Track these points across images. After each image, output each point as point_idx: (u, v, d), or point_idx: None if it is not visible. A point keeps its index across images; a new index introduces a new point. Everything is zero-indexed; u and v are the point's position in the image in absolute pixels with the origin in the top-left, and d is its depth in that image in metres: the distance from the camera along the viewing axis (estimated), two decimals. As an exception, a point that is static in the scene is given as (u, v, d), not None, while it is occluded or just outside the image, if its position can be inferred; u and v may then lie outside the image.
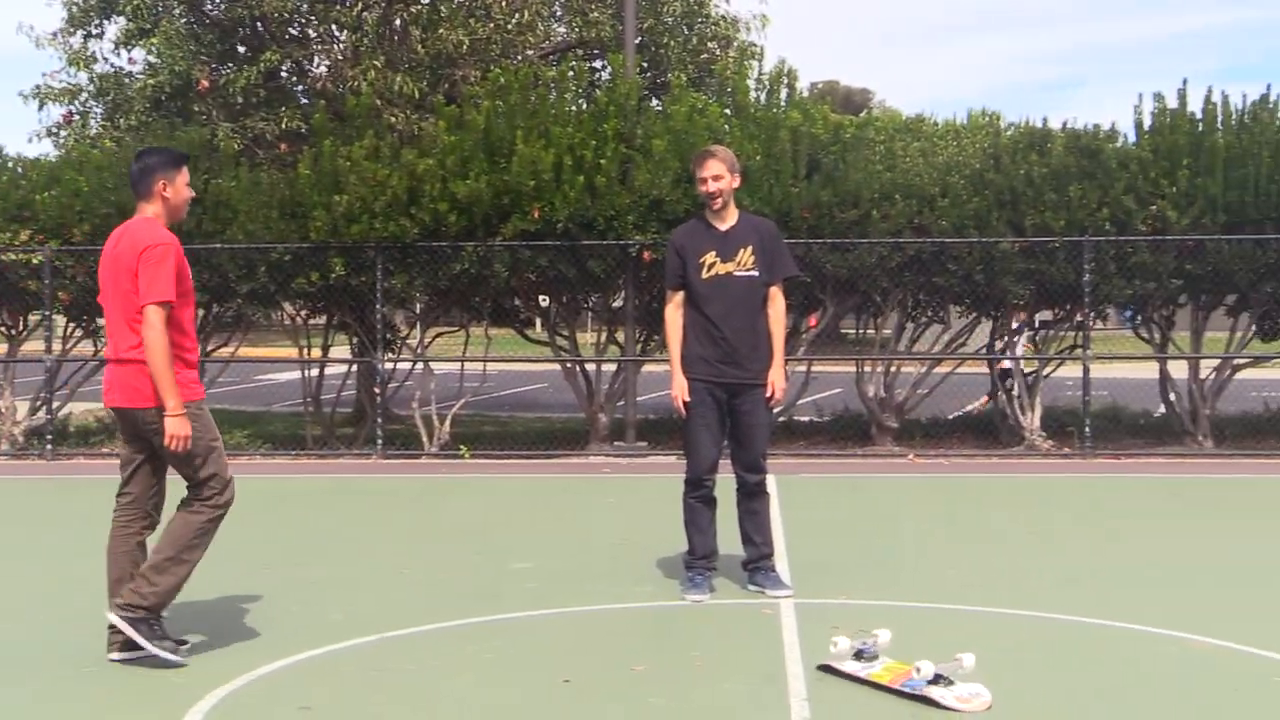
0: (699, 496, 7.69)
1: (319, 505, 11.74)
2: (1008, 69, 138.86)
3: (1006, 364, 15.60)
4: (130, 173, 6.59)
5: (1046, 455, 14.45)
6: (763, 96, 15.29)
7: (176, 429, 6.23)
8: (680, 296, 7.68)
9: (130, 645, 6.23)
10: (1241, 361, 15.34)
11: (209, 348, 15.86)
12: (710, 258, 7.55)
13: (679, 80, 15.44)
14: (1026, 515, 10.68)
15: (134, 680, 6.08)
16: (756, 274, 7.57)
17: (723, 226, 7.64)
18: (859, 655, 5.98)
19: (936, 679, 5.62)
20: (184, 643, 6.41)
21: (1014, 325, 15.48)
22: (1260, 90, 14.97)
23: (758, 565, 7.76)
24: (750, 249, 7.58)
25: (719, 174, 7.57)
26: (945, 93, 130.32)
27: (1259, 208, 14.06)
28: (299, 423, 16.35)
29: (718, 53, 20.11)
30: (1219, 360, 15.29)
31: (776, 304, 7.69)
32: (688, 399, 7.55)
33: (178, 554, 6.31)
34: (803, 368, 15.58)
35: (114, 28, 18.43)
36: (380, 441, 14.79)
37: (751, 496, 7.72)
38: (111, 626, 6.29)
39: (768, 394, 7.57)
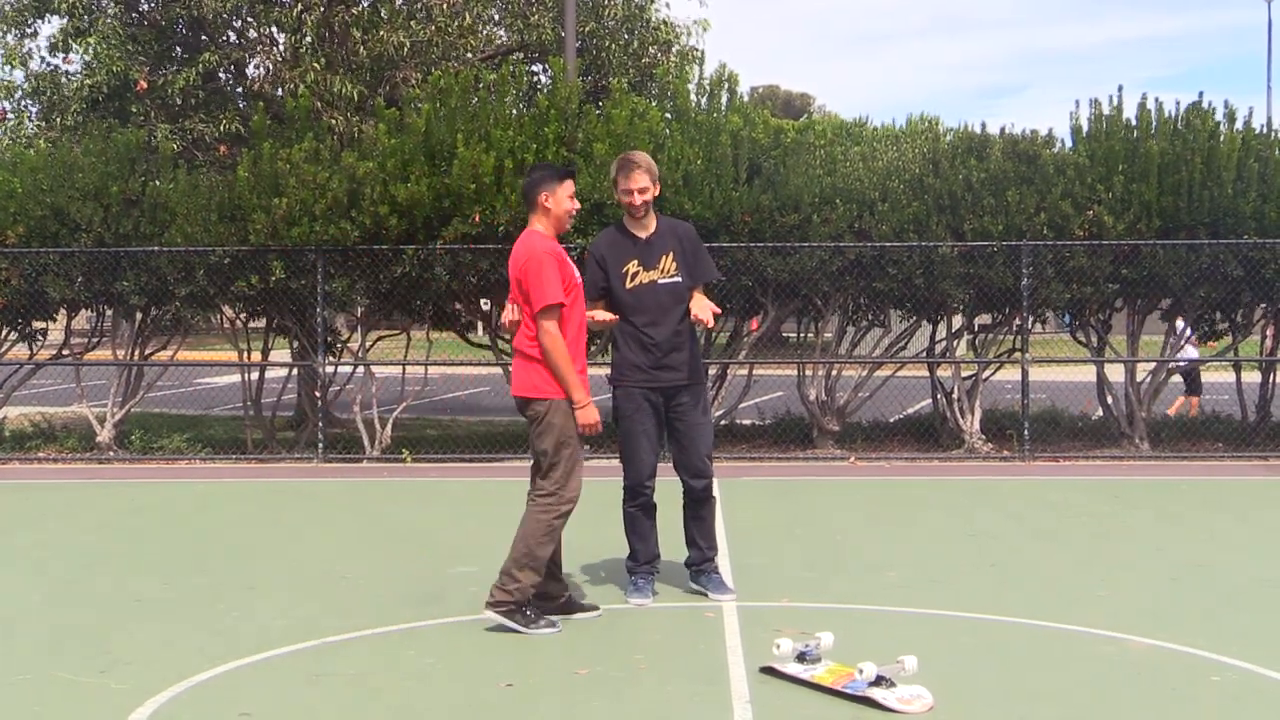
0: (639, 504, 7.62)
1: (259, 510, 11.66)
2: (947, 74, 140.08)
3: (1189, 352, 15.78)
4: (522, 187, 7.28)
5: (986, 458, 14.56)
6: (703, 101, 15.32)
7: (587, 418, 6.88)
8: (599, 305, 7.55)
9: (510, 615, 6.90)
10: (1176, 364, 15.50)
11: (147, 351, 15.74)
12: (633, 267, 7.47)
13: (620, 84, 15.43)
14: (967, 518, 10.75)
15: (70, 690, 6.01)
16: (680, 280, 7.49)
17: (643, 234, 7.53)
18: (802, 657, 6.00)
19: (878, 680, 5.65)
20: (554, 625, 6.94)
21: (1181, 327, 15.48)
22: (1192, 97, 15.11)
23: (700, 568, 7.72)
24: (671, 255, 7.49)
25: (645, 186, 7.43)
26: (885, 97, 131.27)
27: (1192, 213, 14.22)
28: (239, 427, 16.22)
29: (658, 57, 20.14)
30: (1155, 363, 15.46)
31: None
32: (602, 315, 7.47)
33: (530, 551, 6.86)
34: (744, 371, 15.63)
35: (49, 27, 18.24)
36: (321, 445, 14.72)
37: (699, 503, 7.66)
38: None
39: (706, 318, 7.37)
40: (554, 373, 6.84)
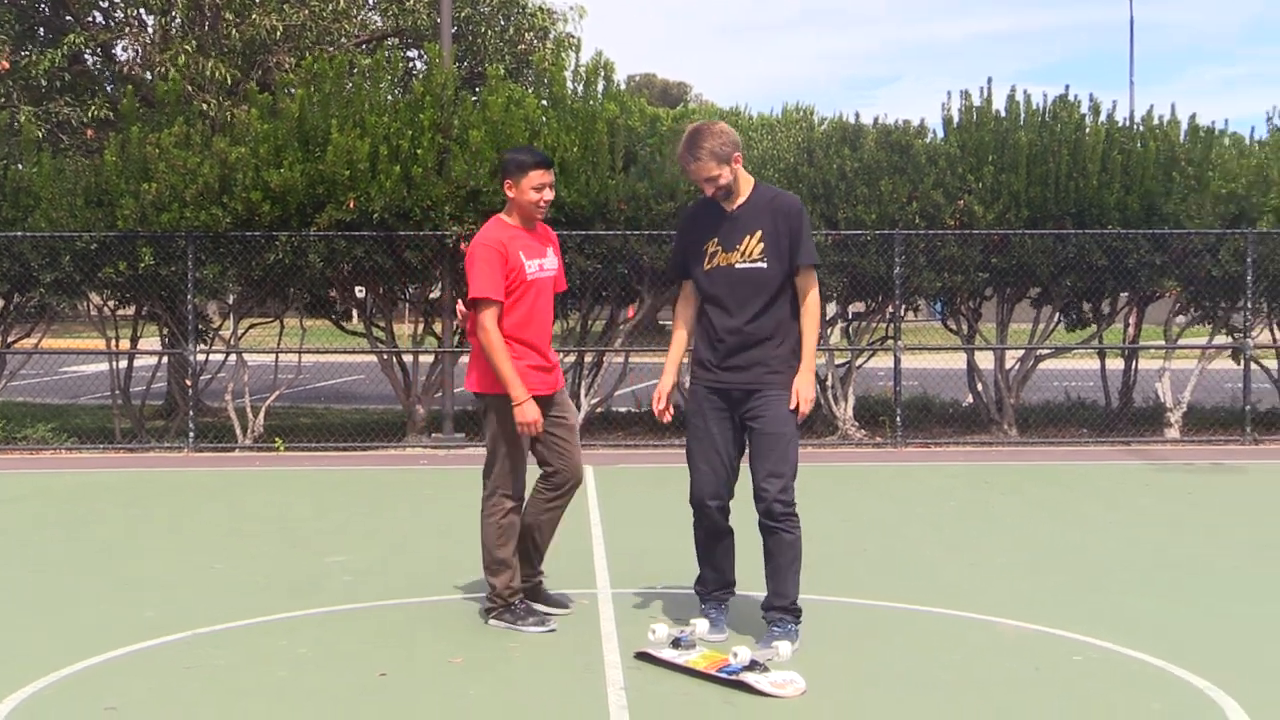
0: (703, 526, 6.73)
1: (128, 500, 11.45)
2: (822, 64, 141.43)
3: None
4: None
5: (859, 444, 14.75)
6: (580, 88, 15.31)
7: (522, 416, 6.54)
8: (689, 287, 6.60)
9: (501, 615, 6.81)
10: (1044, 352, 15.84)
11: (9, 339, 15.39)
12: (712, 245, 6.36)
13: (496, 71, 15.37)
14: (839, 504, 10.88)
15: (-70, 683, 5.87)
16: (763, 265, 6.28)
17: (730, 208, 6.39)
18: (676, 643, 6.05)
19: (752, 665, 5.71)
20: (544, 622, 6.75)
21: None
22: (1059, 91, 15.44)
23: (766, 615, 6.50)
24: (759, 235, 6.29)
25: (714, 175, 6.31)
26: (761, 87, 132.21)
27: (1059, 203, 14.52)
28: (107, 416, 15.92)
29: (535, 44, 20.10)
30: (1023, 351, 15.76)
31: (806, 299, 6.40)
32: (662, 405, 6.74)
33: (492, 556, 6.76)
34: (620, 359, 15.67)
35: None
36: (192, 434, 14.50)
37: (766, 531, 6.57)
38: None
39: (791, 405, 6.49)
40: (492, 368, 6.59)
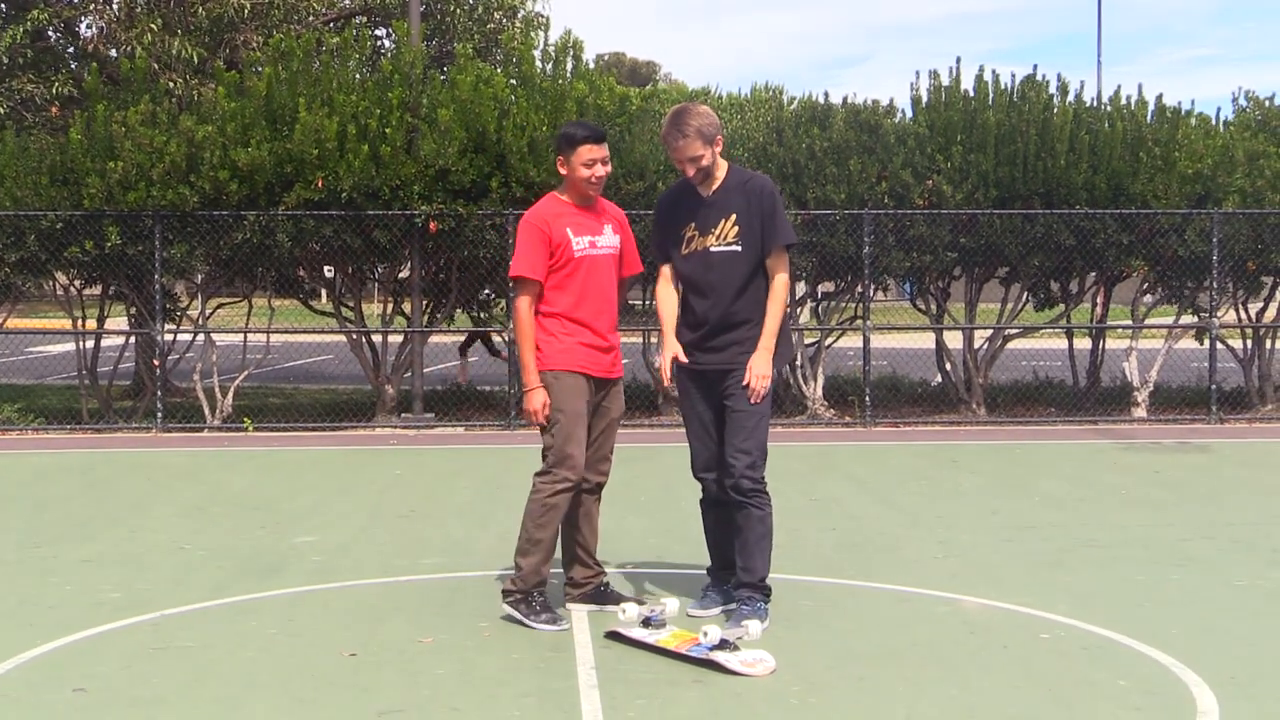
0: (700, 500, 6.80)
1: (95, 481, 11.40)
2: (792, 44, 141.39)
3: None
4: None
5: (829, 424, 14.79)
6: (549, 67, 15.27)
7: (527, 403, 6.43)
8: (669, 270, 6.65)
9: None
10: (1012, 331, 15.91)
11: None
12: (690, 230, 6.46)
13: (465, 50, 15.31)
14: (808, 483, 10.90)
15: (-103, 665, 5.84)
16: (738, 248, 6.37)
17: (706, 192, 6.47)
18: (647, 623, 6.06)
19: (722, 644, 5.72)
20: (557, 619, 6.42)
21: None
22: (1027, 70, 15.48)
23: (734, 592, 6.57)
24: (734, 218, 6.38)
25: (698, 155, 6.33)
26: (730, 66, 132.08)
27: (1027, 183, 14.57)
28: (74, 396, 15.84)
29: (503, 22, 20.03)
30: (991, 330, 15.82)
31: (773, 279, 6.44)
32: (668, 375, 6.59)
33: (529, 535, 6.43)
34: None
35: None
36: (160, 415, 14.44)
37: (735, 506, 6.54)
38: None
39: (743, 381, 6.42)
40: (518, 348, 6.47)
